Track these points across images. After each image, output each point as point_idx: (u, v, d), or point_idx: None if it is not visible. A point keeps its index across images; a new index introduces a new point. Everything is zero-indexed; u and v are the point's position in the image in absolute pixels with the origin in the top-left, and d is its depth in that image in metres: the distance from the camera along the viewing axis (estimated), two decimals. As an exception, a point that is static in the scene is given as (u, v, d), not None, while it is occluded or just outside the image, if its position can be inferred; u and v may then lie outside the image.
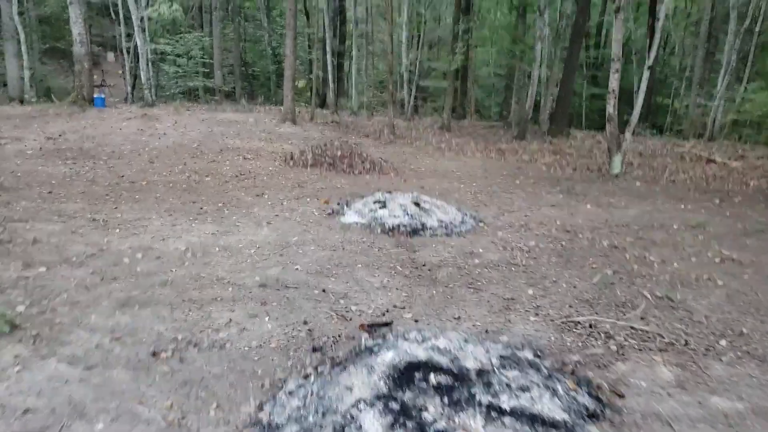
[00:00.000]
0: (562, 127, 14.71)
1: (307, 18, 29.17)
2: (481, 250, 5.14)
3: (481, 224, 6.10)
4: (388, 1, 13.49)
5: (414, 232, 5.60)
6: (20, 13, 17.11)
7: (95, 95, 15.61)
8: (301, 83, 15.19)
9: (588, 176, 9.99)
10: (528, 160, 11.58)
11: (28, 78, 17.31)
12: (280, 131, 13.54)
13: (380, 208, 6.07)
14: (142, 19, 18.46)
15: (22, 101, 16.98)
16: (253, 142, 12.05)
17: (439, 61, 24.58)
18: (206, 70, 23.41)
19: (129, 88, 20.69)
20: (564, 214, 6.85)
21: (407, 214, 5.88)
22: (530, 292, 4.21)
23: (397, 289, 4.20)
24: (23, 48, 16.98)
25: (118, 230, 5.43)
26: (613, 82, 9.26)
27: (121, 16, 21.03)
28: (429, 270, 4.63)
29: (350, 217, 6.04)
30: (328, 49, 20.21)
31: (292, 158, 10.03)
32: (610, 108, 9.36)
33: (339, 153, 9.75)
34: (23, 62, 17.15)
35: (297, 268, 4.56)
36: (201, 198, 7.06)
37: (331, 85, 20.66)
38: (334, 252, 5.03)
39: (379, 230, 5.66)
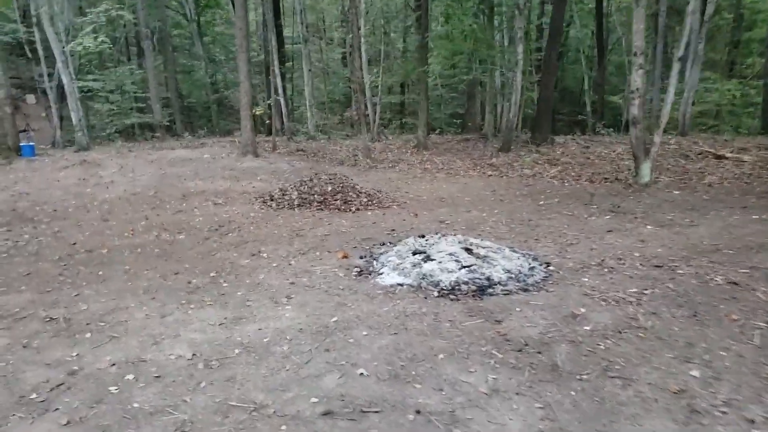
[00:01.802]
0: (545, 135, 13.96)
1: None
2: (582, 310, 3.99)
3: (552, 268, 4.97)
4: (354, 10, 12.37)
5: (481, 290, 4.40)
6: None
7: (22, 143, 13.61)
8: (258, 110, 13.74)
9: (614, 188, 9.11)
10: (531, 175, 10.64)
11: (-62, 130, 15.02)
12: (244, 166, 12.09)
13: (424, 260, 4.84)
14: (65, 55, 16.56)
15: (-67, 157, 14.71)
16: (217, 182, 10.57)
17: (393, 77, 23.70)
18: (142, 105, 21.52)
19: (57, 132, 18.58)
20: (633, 242, 5.83)
21: (462, 265, 4.68)
22: (696, 374, 3.09)
23: (517, 394, 2.98)
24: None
25: (88, 335, 3.95)
26: (637, 80, 8.43)
27: (40, 53, 18.95)
28: (538, 352, 3.43)
29: (389, 276, 4.78)
30: (276, 71, 18.87)
31: (272, 199, 8.66)
32: (635, 110, 8.52)
33: (329, 188, 8.46)
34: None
35: (361, 373, 3.26)
36: (184, 266, 5.61)
37: (284, 109, 19.32)
38: (396, 336, 3.76)
39: (435, 293, 4.42)
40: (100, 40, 18.29)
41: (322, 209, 8.08)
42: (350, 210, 7.99)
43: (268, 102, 16.40)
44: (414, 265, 4.80)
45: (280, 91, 17.75)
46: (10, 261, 5.97)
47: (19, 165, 12.39)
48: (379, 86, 18.12)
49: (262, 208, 8.30)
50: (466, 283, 4.47)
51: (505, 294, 4.39)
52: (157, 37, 22.56)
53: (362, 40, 12.93)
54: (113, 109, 20.31)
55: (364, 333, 3.82)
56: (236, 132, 23.66)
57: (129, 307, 4.46)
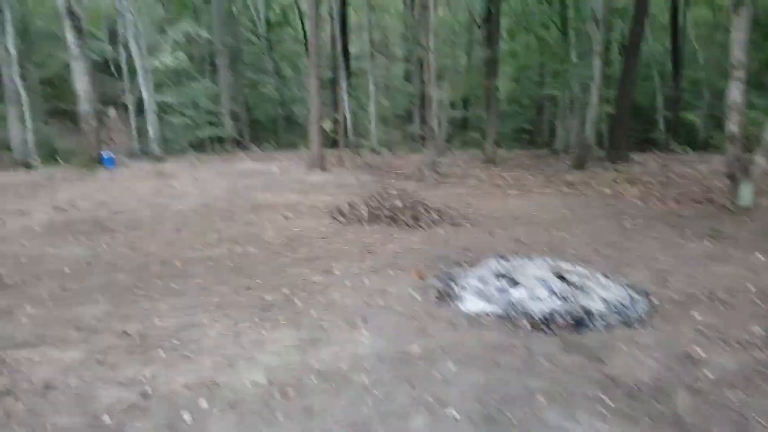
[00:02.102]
0: (621, 152, 13.21)
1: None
2: (698, 350, 3.51)
3: (653, 299, 4.48)
4: (424, 24, 12.20)
5: (578, 323, 3.98)
6: (22, 76, 15.97)
7: (104, 154, 14.23)
8: (327, 125, 13.78)
9: (707, 211, 8.39)
10: (611, 194, 10.01)
11: (33, 141, 16.03)
12: (312, 180, 12.09)
13: (510, 285, 4.47)
14: (146, 71, 17.33)
15: (27, 165, 15.70)
16: (285, 195, 10.57)
17: (457, 91, 23.38)
18: (213, 119, 22.21)
19: (135, 143, 19.45)
20: (743, 273, 5.22)
21: (554, 293, 4.28)
22: None
23: (639, 451, 2.57)
24: (26, 110, 15.76)
25: (161, 352, 3.83)
26: (735, 94, 7.75)
27: (124, 69, 19.97)
28: (654, 400, 2.99)
29: (471, 301, 4.43)
30: (343, 86, 18.99)
31: (341, 213, 8.50)
32: (733, 127, 7.83)
33: (399, 203, 8.21)
34: (27, 125, 15.91)
35: (453, 416, 2.93)
36: (256, 281, 5.47)
37: (349, 124, 19.39)
38: (486, 372, 3.41)
39: (527, 324, 4.03)
40: (178, 57, 19.12)
41: (391, 225, 7.83)
42: (420, 226, 7.70)
43: (335, 116, 16.43)
44: (500, 291, 4.44)
45: (346, 105, 17.83)
46: (90, 271, 6.05)
47: (100, 175, 12.94)
48: (445, 101, 17.81)
49: (332, 223, 8.14)
50: (560, 314, 4.06)
51: (606, 328, 3.95)
52: (230, 53, 23.30)
53: (431, 55, 12.72)
54: (187, 123, 21.07)
55: (450, 366, 3.49)
56: (301, 146, 24.10)
57: (202, 324, 4.33)
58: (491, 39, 13.64)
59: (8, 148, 18.07)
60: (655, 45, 21.39)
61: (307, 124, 30.79)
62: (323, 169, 12.87)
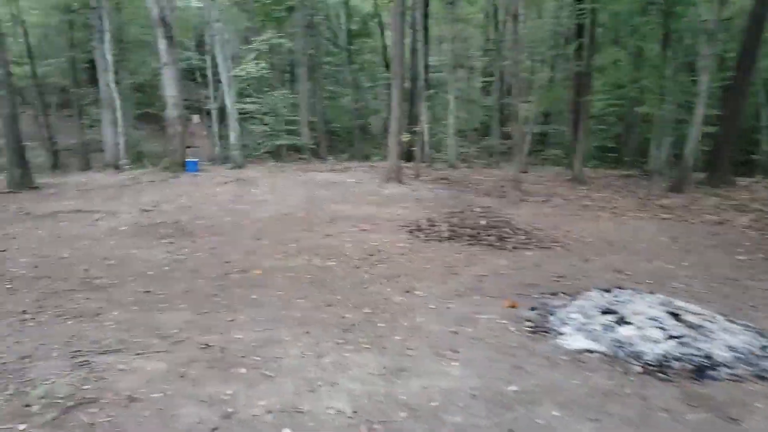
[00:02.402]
0: (725, 175, 12.14)
1: (387, 68, 28.34)
2: None
3: (790, 350, 3.87)
4: (515, 35, 11.76)
5: (699, 371, 3.47)
6: (116, 82, 16.96)
7: (188, 159, 14.74)
8: (406, 137, 13.59)
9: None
10: (717, 222, 9.15)
11: (123, 144, 16.95)
12: (387, 193, 11.89)
13: (617, 323, 4.00)
14: (230, 79, 17.87)
15: (117, 167, 16.59)
16: (362, 207, 10.42)
17: (538, 105, 22.56)
18: (291, 128, 22.61)
19: (217, 150, 20.10)
20: None
21: (669, 334, 3.78)
22: None
23: None
24: (119, 115, 16.69)
25: (243, 370, 3.67)
26: None
27: (209, 77, 20.76)
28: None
29: (573, 338, 4.00)
30: (422, 98, 18.77)
31: (419, 229, 8.22)
32: None
33: (482, 222, 7.82)
34: (119, 129, 16.84)
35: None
36: (336, 297, 5.27)
37: (426, 136, 19.13)
38: (596, 423, 2.99)
39: (637, 367, 3.57)
40: (261, 65, 19.63)
41: (473, 244, 7.45)
42: (506, 248, 7.27)
43: (413, 129, 16.23)
44: (605, 328, 3.99)
45: (424, 118, 17.60)
46: (172, 276, 6.08)
47: (183, 179, 13.36)
48: (531, 115, 17.20)
49: (410, 239, 7.87)
50: (677, 358, 3.57)
51: (733, 380, 3.42)
52: (310, 63, 23.71)
53: (519, 67, 12.27)
54: (266, 131, 21.56)
55: (554, 412, 3.10)
56: (374, 157, 24.09)
57: (283, 341, 4.15)
58: (584, 52, 12.97)
59: (100, 150, 19.23)
60: (764, 60, 19.81)
61: (380, 135, 31.11)
62: (400, 181, 12.66)
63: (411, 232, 8.18)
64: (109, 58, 16.57)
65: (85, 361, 3.74)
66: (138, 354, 3.89)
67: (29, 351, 3.89)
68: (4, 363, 3.69)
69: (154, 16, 14.10)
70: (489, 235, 7.52)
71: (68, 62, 22.26)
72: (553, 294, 5.22)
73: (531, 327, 4.33)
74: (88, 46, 20.80)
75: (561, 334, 4.09)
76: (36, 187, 11.99)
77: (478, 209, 8.35)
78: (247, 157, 19.74)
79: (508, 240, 7.43)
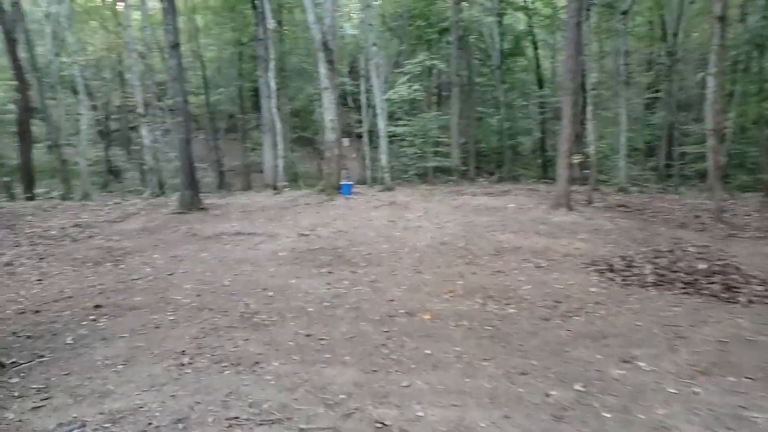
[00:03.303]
0: None
1: (540, 86, 26.65)
2: None
3: None
4: (720, 43, 9.81)
5: None
6: (277, 108, 17.66)
7: (342, 182, 14.63)
8: (577, 158, 12.09)
9: None
10: None
11: (281, 165, 17.53)
12: (557, 221, 10.48)
13: None
14: (384, 102, 17.69)
15: (275, 187, 17.18)
16: (530, 237, 9.17)
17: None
18: (441, 150, 21.96)
19: (368, 173, 20.04)
20: None
21: None
22: None
23: None
24: (279, 138, 17.31)
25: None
26: None
27: (362, 101, 20.90)
28: None
29: None
30: (589, 116, 16.97)
31: (612, 270, 6.79)
32: None
33: (701, 266, 6.20)
34: (278, 151, 17.47)
35: None
36: (530, 362, 4.17)
37: (592, 156, 17.23)
38: None
39: None
40: (413, 88, 19.28)
41: (690, 294, 5.87)
42: (737, 301, 5.60)
43: (584, 150, 14.58)
44: None
45: (592, 137, 15.81)
46: (333, 314, 5.44)
47: (338, 202, 13.17)
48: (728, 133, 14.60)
49: (602, 281, 6.49)
50: None
51: None
52: (461, 84, 22.98)
53: (713, 80, 10.25)
54: (416, 153, 21.14)
55: None
56: (526, 178, 22.52)
57: (477, 429, 3.16)
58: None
59: (260, 171, 20.25)
60: None
61: (530, 155, 29.32)
62: (569, 208, 11.17)
63: (601, 273, 6.79)
64: (273, 85, 17.29)
65: (243, 435, 3.08)
66: (300, 429, 3.16)
67: (185, 411, 3.35)
68: (158, 428, 3.15)
69: (317, 41, 14.27)
70: (712, 283, 5.89)
71: (236, 91, 24.03)
72: None
73: None
74: (253, 75, 22.25)
75: None
76: (204, 208, 12.50)
77: (694, 249, 6.70)
78: (395, 179, 19.40)
79: (740, 291, 5.74)
